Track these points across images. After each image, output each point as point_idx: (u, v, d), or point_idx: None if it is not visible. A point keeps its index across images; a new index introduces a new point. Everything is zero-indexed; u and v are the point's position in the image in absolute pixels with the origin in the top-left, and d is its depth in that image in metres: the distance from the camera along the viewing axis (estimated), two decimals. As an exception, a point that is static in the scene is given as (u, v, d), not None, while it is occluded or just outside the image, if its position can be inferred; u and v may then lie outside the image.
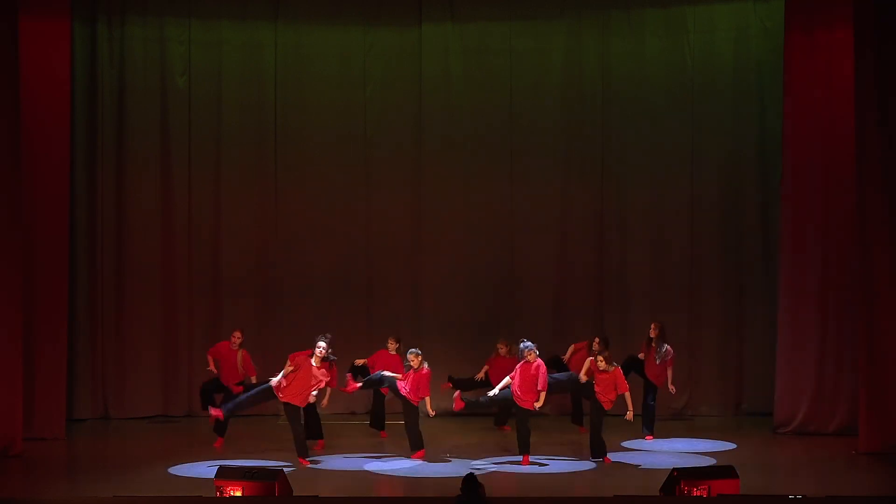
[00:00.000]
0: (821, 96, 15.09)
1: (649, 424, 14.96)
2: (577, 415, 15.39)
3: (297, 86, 16.90)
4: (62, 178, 15.36)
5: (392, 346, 14.86)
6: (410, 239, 16.99)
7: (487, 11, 16.84)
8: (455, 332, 16.60)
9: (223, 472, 11.16)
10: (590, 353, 14.33)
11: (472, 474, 9.64)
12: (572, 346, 15.30)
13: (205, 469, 12.65)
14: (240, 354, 14.65)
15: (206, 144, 16.80)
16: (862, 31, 13.95)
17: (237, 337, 14.67)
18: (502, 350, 15.19)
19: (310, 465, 13.38)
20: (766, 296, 16.35)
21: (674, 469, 11.26)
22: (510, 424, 14.86)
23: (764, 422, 15.72)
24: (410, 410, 13.75)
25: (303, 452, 13.47)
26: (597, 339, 14.54)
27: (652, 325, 15.04)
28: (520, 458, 13.48)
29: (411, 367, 13.66)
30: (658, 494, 11.37)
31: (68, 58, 15.55)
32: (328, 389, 13.94)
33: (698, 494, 10.89)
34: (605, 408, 13.66)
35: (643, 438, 14.87)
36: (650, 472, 12.61)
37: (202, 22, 16.73)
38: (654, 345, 14.96)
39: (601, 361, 13.60)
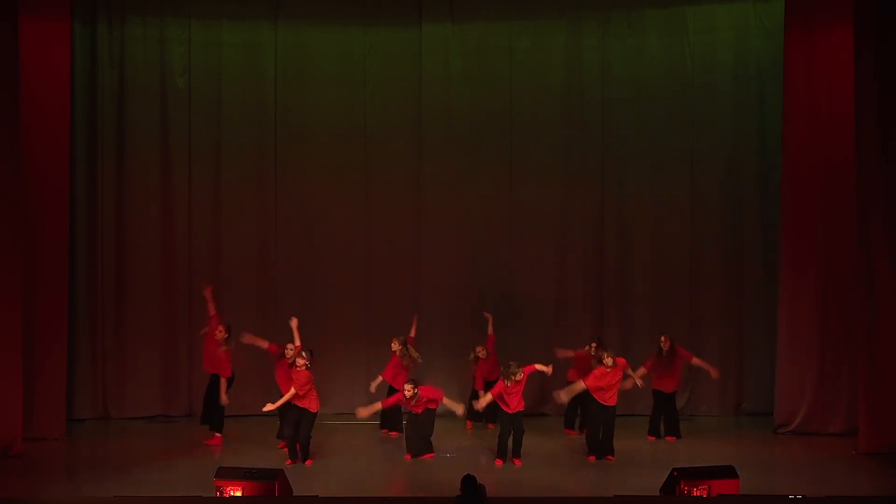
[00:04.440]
0: (821, 96, 15.10)
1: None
2: (571, 419, 15.39)
3: (297, 86, 16.89)
4: (62, 178, 15.35)
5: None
6: (410, 238, 16.97)
7: (487, 11, 16.83)
8: (454, 331, 16.59)
9: (223, 472, 11.17)
10: (593, 360, 14.28)
11: (471, 474, 9.64)
12: (573, 354, 15.23)
13: (205, 469, 12.66)
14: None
15: (207, 144, 16.79)
16: (861, 30, 13.95)
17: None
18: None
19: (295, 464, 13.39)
20: (766, 295, 16.34)
21: (674, 469, 11.28)
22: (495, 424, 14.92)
23: (764, 422, 15.72)
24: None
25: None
26: (593, 345, 14.51)
27: (662, 338, 14.99)
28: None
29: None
30: (658, 494, 11.39)
31: (68, 58, 15.54)
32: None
33: (698, 494, 10.90)
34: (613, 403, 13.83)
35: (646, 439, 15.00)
36: (650, 472, 12.60)
37: (202, 22, 16.73)
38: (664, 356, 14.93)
39: (608, 358, 13.69)
